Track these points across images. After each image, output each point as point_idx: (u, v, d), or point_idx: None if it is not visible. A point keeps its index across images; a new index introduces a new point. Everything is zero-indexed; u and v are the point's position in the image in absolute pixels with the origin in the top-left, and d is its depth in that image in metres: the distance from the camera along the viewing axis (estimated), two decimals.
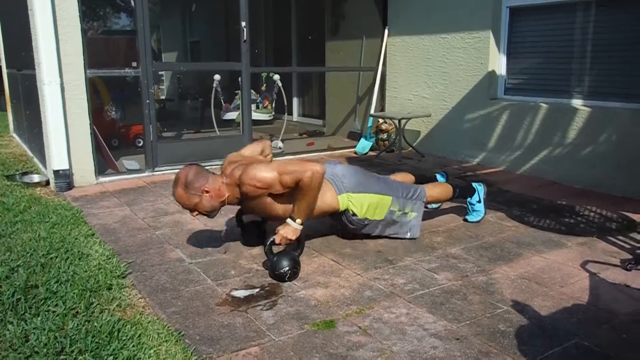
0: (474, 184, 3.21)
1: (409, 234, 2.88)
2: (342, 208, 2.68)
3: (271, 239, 2.41)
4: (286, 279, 2.35)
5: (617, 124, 3.73)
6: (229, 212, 3.36)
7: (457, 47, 4.86)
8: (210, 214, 2.55)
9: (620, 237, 2.91)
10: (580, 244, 2.82)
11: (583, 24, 4.03)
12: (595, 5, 3.93)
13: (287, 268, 2.35)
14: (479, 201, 3.17)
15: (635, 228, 3.06)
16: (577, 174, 3.99)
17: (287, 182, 2.38)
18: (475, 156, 4.83)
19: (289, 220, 2.43)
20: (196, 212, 2.52)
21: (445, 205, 3.51)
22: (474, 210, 3.20)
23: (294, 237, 2.43)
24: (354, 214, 2.69)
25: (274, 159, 2.86)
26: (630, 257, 2.62)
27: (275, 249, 2.45)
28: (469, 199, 3.19)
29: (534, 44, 4.40)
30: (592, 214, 3.36)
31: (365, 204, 2.68)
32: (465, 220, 3.21)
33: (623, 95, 3.79)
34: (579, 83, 4.11)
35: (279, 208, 2.52)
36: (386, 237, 2.88)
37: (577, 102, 4.08)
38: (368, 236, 2.86)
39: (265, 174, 2.39)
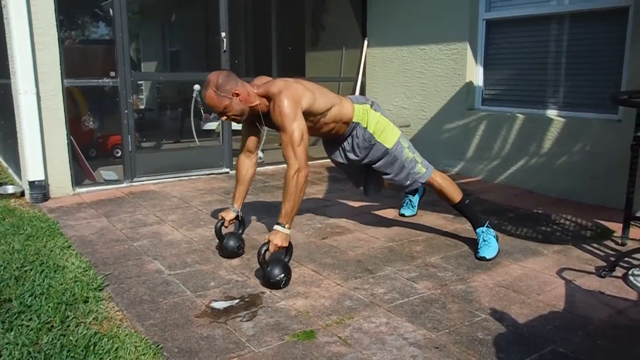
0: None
1: (408, 182, 2.86)
2: (355, 119, 2.77)
3: (265, 248, 2.40)
4: (282, 286, 2.40)
5: (590, 134, 3.82)
6: (209, 223, 3.34)
7: (435, 58, 4.94)
8: (240, 118, 2.60)
9: (595, 245, 2.97)
10: (557, 252, 2.87)
11: (557, 36, 4.13)
12: (569, 18, 4.04)
13: (283, 275, 2.39)
14: (495, 236, 2.85)
15: (609, 236, 3.12)
16: (553, 183, 4.07)
17: (295, 142, 2.42)
18: (454, 166, 4.89)
19: (277, 227, 2.43)
20: (225, 117, 2.57)
21: (426, 215, 3.54)
22: (486, 244, 2.80)
23: (286, 244, 2.44)
24: (366, 128, 2.78)
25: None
26: (604, 264, 2.68)
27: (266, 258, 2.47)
28: (483, 229, 2.84)
29: (510, 56, 4.49)
30: (567, 222, 3.42)
31: (375, 121, 2.79)
32: (483, 258, 2.74)
33: (596, 106, 3.88)
34: (554, 94, 4.20)
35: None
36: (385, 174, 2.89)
37: (552, 113, 4.17)
38: (349, 246, 2.86)
39: (288, 119, 2.43)
